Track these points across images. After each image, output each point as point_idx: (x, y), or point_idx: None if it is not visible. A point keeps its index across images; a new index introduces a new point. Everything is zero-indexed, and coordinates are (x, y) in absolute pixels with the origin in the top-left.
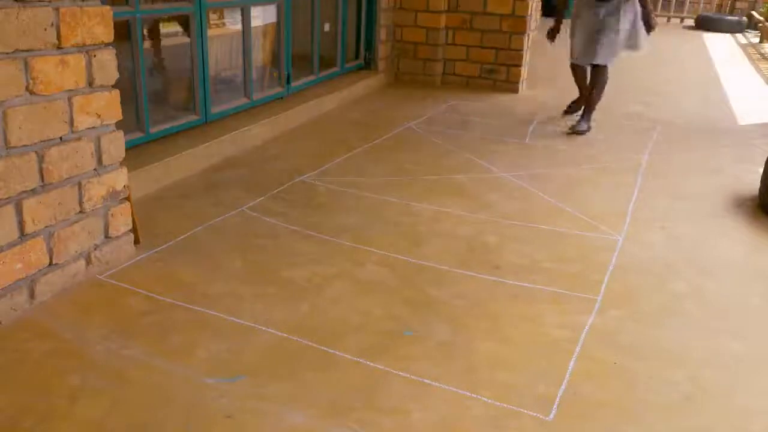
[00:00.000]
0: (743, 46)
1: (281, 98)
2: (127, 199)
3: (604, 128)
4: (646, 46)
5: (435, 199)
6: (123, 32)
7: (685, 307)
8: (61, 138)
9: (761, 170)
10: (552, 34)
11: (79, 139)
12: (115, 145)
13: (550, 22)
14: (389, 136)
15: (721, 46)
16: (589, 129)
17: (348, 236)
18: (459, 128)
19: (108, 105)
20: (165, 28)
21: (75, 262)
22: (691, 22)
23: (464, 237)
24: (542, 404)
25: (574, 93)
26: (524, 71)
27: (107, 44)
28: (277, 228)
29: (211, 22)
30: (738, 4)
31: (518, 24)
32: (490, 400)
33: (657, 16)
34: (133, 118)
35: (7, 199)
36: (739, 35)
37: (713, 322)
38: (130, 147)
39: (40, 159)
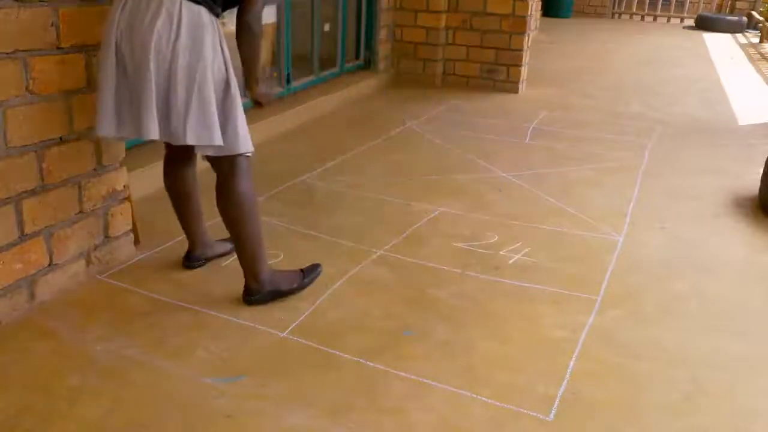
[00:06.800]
0: (743, 46)
1: (281, 98)
2: (127, 199)
3: (605, 128)
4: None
5: (435, 199)
6: None
7: (685, 307)
8: (61, 138)
9: (761, 170)
10: None
11: (78, 139)
12: (115, 144)
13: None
14: (389, 136)
15: (721, 46)
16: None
17: (348, 236)
18: (459, 128)
19: None
20: None
21: (75, 262)
22: (691, 22)
23: (464, 237)
24: (542, 404)
25: (575, 92)
26: (524, 71)
27: None
28: (277, 228)
29: None
30: (738, 4)
31: (518, 24)
32: (490, 400)
33: (657, 16)
34: None
35: (7, 199)
36: (739, 35)
37: (713, 322)
38: (130, 147)
39: (40, 159)
